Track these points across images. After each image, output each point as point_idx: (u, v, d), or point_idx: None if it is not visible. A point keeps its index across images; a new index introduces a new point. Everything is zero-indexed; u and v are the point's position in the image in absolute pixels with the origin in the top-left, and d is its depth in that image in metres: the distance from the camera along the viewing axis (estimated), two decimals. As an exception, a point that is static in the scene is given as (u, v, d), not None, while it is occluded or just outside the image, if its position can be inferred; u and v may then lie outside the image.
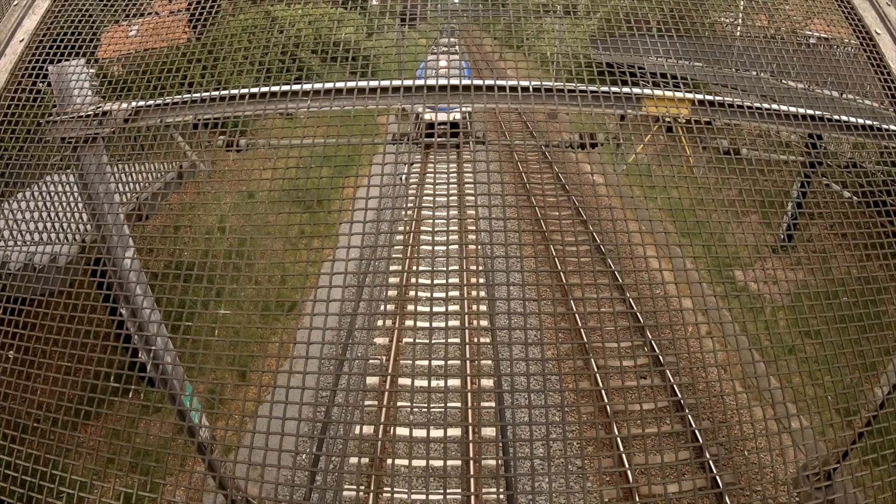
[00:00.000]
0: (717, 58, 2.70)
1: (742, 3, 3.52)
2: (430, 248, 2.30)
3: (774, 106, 2.34)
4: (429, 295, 2.48)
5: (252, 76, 2.65)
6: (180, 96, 2.37)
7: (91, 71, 2.47)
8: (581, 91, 2.20)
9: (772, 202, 2.72)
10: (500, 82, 2.26)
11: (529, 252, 2.32)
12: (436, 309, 2.12)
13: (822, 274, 2.39)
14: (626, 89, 2.27)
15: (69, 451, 1.86)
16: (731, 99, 2.33)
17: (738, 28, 3.60)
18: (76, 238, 2.37)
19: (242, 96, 2.28)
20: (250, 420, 1.96)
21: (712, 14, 3.31)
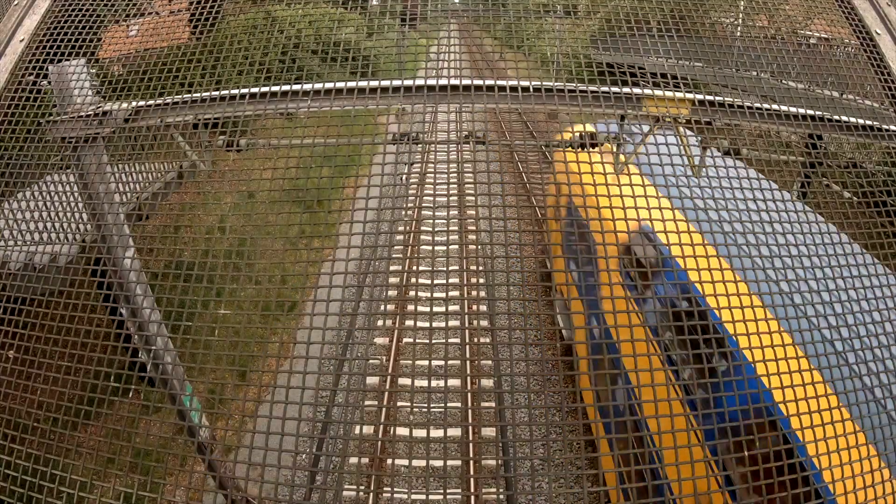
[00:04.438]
0: (717, 58, 2.69)
1: (742, 3, 3.52)
2: (430, 248, 2.30)
3: (775, 106, 2.34)
4: (429, 295, 2.47)
5: (252, 76, 2.65)
6: (180, 96, 2.37)
7: (91, 71, 2.47)
8: (581, 91, 2.20)
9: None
10: (500, 82, 2.26)
11: (529, 252, 2.32)
12: (436, 309, 2.11)
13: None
14: (626, 89, 2.27)
15: (69, 451, 1.86)
16: (731, 99, 2.33)
17: (739, 28, 3.60)
18: (76, 238, 2.37)
19: (242, 96, 2.28)
20: (250, 420, 1.97)
21: (713, 14, 3.31)
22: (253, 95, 2.28)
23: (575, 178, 2.03)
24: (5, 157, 2.40)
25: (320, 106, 2.26)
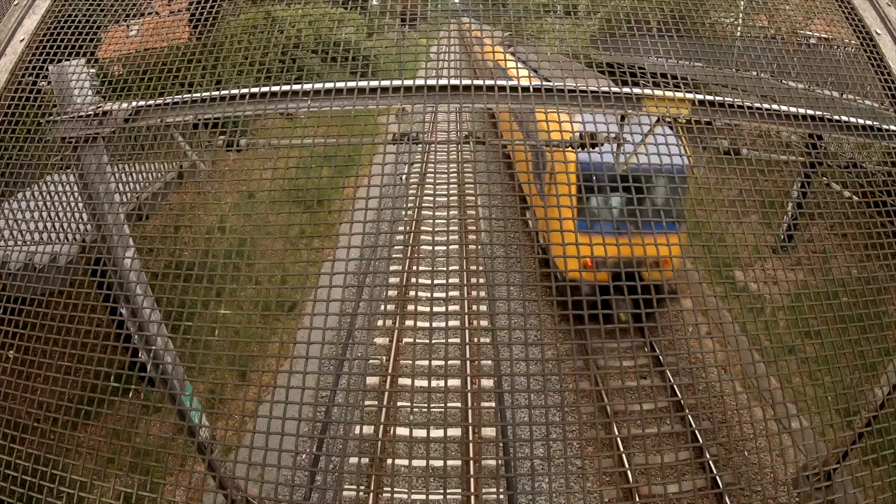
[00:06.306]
0: (717, 58, 2.69)
1: (742, 3, 3.52)
2: (430, 248, 2.30)
3: (775, 106, 2.33)
4: (429, 295, 2.48)
5: (252, 76, 2.65)
6: (180, 96, 2.37)
7: (91, 71, 2.47)
8: (581, 91, 2.20)
9: (772, 202, 2.72)
10: (500, 82, 2.26)
11: (529, 252, 2.33)
12: (436, 309, 2.11)
13: (822, 274, 2.39)
14: (626, 89, 2.27)
15: (69, 451, 1.86)
16: (731, 99, 2.33)
17: (739, 28, 3.60)
18: (76, 238, 2.36)
19: (242, 96, 2.28)
20: (250, 420, 1.97)
21: (712, 14, 3.31)
22: (253, 95, 2.27)
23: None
24: (5, 157, 2.39)
25: (320, 106, 2.26)
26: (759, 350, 2.13)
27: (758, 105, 2.33)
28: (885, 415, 2.02)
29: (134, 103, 2.35)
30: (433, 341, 2.00)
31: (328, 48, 2.80)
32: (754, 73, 2.84)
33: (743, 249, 2.26)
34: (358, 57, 2.53)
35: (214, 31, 2.78)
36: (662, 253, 2.17)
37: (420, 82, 2.30)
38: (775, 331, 2.69)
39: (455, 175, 2.67)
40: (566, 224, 2.02)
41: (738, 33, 3.54)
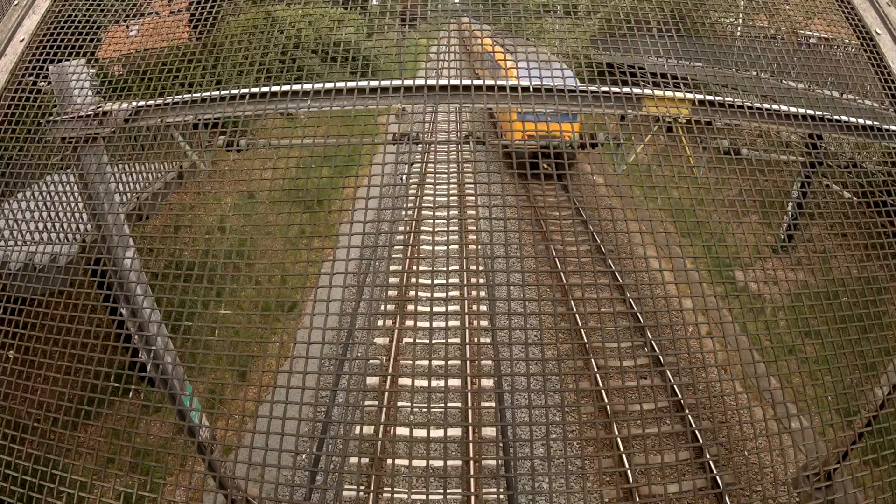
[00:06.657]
0: (717, 58, 2.70)
1: (742, 3, 3.52)
2: (430, 248, 2.30)
3: (775, 106, 2.33)
4: (429, 295, 2.48)
5: (252, 76, 2.65)
6: (180, 96, 2.37)
7: (91, 71, 2.47)
8: (581, 91, 2.20)
9: (772, 202, 2.73)
10: (500, 82, 2.26)
11: (529, 252, 2.33)
12: (436, 309, 2.12)
13: (822, 274, 2.39)
14: (626, 89, 2.27)
15: (69, 451, 1.86)
16: (731, 99, 2.33)
17: (739, 28, 3.60)
18: (76, 238, 2.37)
19: (242, 96, 2.28)
20: (250, 420, 1.97)
21: (712, 14, 3.31)
22: (253, 95, 2.27)
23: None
24: (5, 157, 2.40)
25: (320, 106, 2.26)
26: (759, 350, 2.13)
27: (758, 105, 2.33)
28: (885, 415, 2.02)
29: (134, 103, 2.35)
30: (433, 341, 2.00)
31: (328, 48, 2.80)
32: (754, 73, 2.84)
33: (743, 249, 2.26)
34: (358, 57, 2.53)
35: (214, 31, 2.78)
36: (565, 128, 3.72)
37: (420, 82, 2.30)
38: (775, 331, 2.69)
39: (455, 175, 2.67)
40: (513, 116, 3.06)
41: (738, 33, 3.54)
